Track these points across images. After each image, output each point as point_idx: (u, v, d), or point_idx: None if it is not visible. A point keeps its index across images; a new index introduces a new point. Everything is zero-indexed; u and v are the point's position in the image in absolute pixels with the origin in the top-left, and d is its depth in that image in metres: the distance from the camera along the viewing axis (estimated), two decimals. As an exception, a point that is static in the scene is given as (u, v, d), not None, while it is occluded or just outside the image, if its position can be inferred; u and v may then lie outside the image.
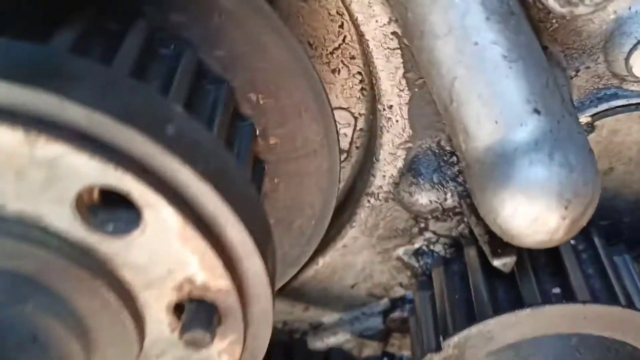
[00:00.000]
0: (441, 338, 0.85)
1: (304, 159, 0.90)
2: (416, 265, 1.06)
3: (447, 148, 0.96)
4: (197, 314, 0.66)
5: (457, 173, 0.95)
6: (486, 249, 0.88)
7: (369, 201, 1.01)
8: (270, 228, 0.70)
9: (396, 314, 1.13)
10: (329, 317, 1.15)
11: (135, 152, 0.59)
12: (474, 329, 0.82)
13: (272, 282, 0.70)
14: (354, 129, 1.03)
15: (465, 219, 0.96)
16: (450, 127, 0.80)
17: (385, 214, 1.02)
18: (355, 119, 1.02)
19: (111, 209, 0.62)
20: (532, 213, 0.77)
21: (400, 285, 1.10)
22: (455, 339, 0.83)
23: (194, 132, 0.65)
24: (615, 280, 0.87)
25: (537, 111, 0.78)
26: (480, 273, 0.90)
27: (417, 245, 1.04)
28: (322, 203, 0.93)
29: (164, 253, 0.63)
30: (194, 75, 0.78)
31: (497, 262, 0.86)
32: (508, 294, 0.85)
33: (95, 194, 0.61)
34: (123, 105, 0.59)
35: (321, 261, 1.08)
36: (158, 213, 0.60)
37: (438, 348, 0.85)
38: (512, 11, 0.76)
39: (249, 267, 0.66)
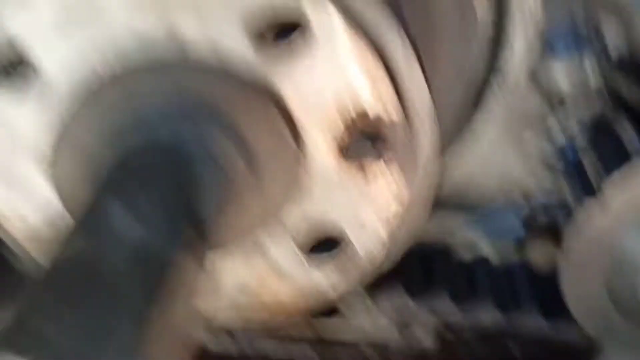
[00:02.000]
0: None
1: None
2: (554, 160, 1.04)
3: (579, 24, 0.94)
4: (363, 138, 0.66)
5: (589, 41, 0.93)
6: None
7: (501, 86, 0.99)
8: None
9: (535, 218, 1.09)
10: (467, 223, 1.13)
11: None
12: (633, 176, 0.79)
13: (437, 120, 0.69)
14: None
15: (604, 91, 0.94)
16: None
17: (521, 103, 1.00)
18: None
19: (278, 37, 0.63)
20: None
21: (539, 185, 1.07)
22: (615, 189, 0.80)
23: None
24: None
25: None
26: (631, 126, 0.87)
27: (556, 138, 1.02)
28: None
29: (329, 73, 0.63)
30: None
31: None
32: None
33: (264, 21, 0.63)
34: None
35: (457, 164, 1.06)
36: (326, 25, 0.61)
37: (598, 204, 0.82)
38: None
39: (416, 98, 0.66)
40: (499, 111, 1.01)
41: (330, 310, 1.16)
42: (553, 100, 0.99)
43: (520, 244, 1.12)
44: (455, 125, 0.97)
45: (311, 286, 0.81)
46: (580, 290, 0.91)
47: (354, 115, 0.65)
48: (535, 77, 0.97)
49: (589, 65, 0.95)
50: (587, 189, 0.89)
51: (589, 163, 0.92)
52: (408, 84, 0.66)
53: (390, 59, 0.64)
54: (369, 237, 0.75)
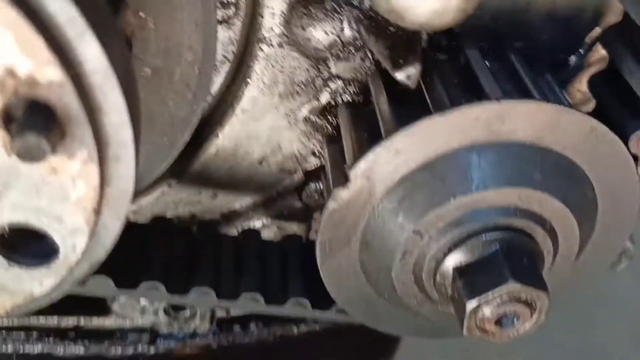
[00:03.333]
0: (347, 169, 0.74)
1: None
2: (326, 125, 0.96)
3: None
4: (28, 116, 0.54)
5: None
6: (388, 65, 0.77)
7: (262, 49, 0.89)
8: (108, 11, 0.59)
9: (312, 188, 1.02)
10: (240, 203, 1.04)
11: None
12: (379, 149, 0.72)
13: (128, 79, 0.58)
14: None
15: (366, 48, 0.86)
16: None
17: (283, 65, 0.91)
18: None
19: None
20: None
21: (313, 154, 0.99)
22: (361, 164, 0.73)
23: None
24: (535, 89, 0.77)
25: None
26: (386, 99, 0.80)
27: (323, 101, 0.94)
28: (202, 43, 0.82)
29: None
30: None
31: (400, 75, 0.76)
32: (416, 113, 0.74)
33: None
34: None
35: (221, 134, 0.97)
36: None
37: (345, 180, 0.74)
38: None
39: (84, 52, 0.54)
40: (263, 76, 0.92)
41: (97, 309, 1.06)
42: (317, 63, 0.91)
43: (300, 217, 1.05)
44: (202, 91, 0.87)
45: (15, 285, 0.70)
46: (336, 273, 0.84)
47: (8, 81, 0.53)
48: (294, 35, 0.88)
49: (346, 18, 0.86)
50: (340, 165, 0.82)
51: (346, 134, 0.85)
52: (71, 34, 0.54)
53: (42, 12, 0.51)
54: (68, 229, 0.64)
